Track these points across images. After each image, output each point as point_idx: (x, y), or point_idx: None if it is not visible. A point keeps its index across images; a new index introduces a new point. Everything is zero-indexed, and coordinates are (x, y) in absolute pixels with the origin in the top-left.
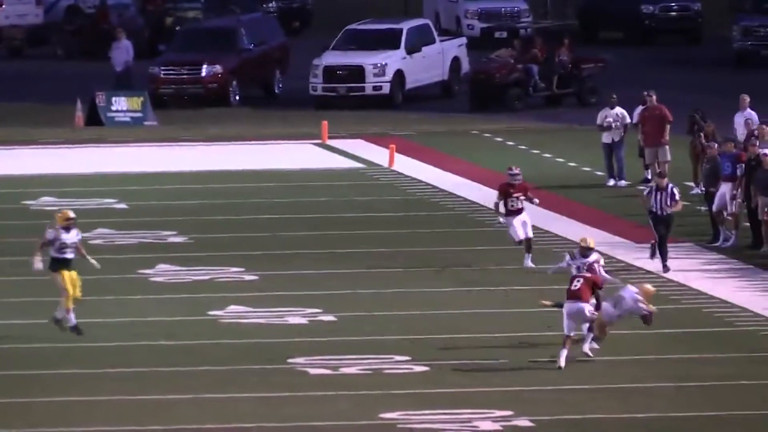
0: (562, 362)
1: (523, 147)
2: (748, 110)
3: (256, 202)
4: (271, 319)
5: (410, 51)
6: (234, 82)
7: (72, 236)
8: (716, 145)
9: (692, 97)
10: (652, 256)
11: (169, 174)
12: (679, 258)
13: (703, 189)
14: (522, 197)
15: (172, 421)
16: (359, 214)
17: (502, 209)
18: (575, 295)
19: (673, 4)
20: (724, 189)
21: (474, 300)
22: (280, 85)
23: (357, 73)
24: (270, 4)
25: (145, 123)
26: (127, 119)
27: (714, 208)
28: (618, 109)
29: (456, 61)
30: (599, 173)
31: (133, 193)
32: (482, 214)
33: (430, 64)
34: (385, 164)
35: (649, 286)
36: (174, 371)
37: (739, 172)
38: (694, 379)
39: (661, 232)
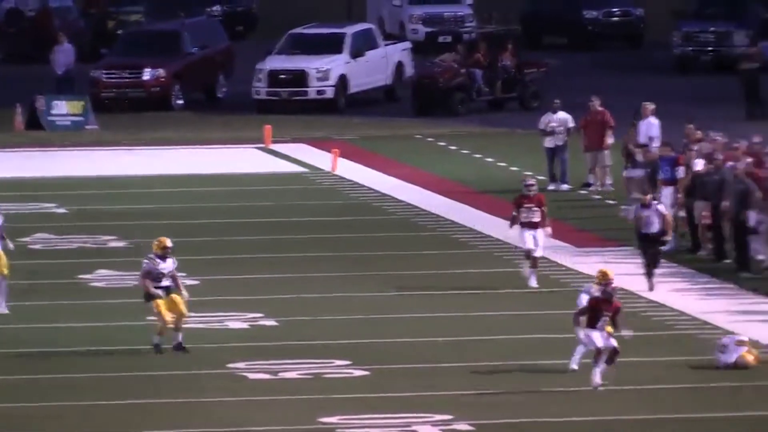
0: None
1: (466, 151)
2: (650, 118)
3: (199, 206)
4: (211, 323)
5: (354, 55)
6: (177, 86)
7: (168, 265)
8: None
9: (634, 102)
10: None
11: (109, 178)
12: (618, 262)
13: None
14: (536, 209)
15: (103, 427)
16: (302, 218)
17: (515, 225)
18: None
19: (615, 9)
20: (665, 193)
21: (415, 304)
22: (224, 89)
23: (300, 77)
24: (214, 8)
25: (86, 127)
26: (68, 123)
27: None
28: (561, 114)
29: (400, 65)
30: (541, 177)
31: (73, 198)
32: (424, 218)
33: (374, 68)
34: (328, 168)
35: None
36: (109, 377)
37: (678, 176)
38: (631, 383)
39: (648, 251)
